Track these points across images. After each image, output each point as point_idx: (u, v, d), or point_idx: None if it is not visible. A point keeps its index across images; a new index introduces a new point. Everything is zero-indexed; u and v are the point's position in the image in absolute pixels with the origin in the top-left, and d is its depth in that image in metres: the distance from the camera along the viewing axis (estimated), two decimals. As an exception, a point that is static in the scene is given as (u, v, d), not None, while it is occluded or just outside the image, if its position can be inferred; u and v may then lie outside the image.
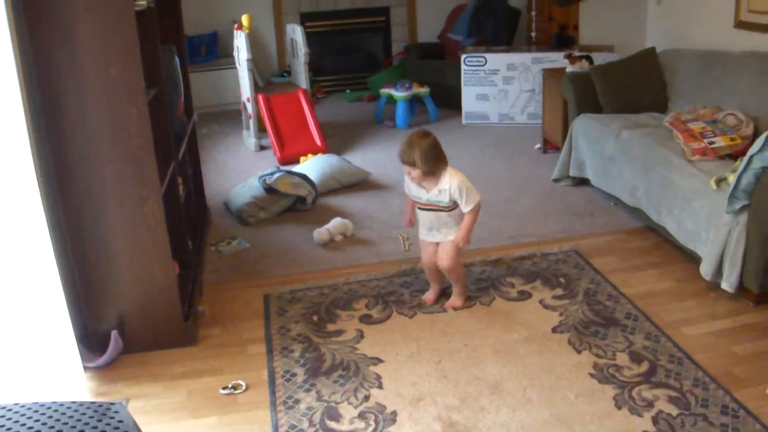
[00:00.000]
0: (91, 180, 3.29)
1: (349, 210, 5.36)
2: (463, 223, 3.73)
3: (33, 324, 3.21)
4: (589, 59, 6.14)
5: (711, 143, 4.36)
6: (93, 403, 0.60)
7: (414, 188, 3.70)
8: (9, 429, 0.57)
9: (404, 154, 3.57)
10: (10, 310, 3.15)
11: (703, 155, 4.30)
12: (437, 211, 3.70)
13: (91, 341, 3.54)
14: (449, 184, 3.62)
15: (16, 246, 3.10)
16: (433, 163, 3.58)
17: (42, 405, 0.59)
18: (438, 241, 3.79)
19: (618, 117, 5.26)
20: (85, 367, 3.41)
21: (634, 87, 5.55)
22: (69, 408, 0.61)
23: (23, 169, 3.03)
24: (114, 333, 3.51)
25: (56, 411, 0.59)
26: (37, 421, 0.57)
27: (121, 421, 0.58)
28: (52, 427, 0.56)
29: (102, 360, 3.47)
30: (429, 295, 3.96)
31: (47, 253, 3.15)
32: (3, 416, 0.59)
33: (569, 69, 6.04)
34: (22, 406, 0.60)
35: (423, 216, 3.77)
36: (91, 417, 0.59)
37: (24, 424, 0.57)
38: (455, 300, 3.89)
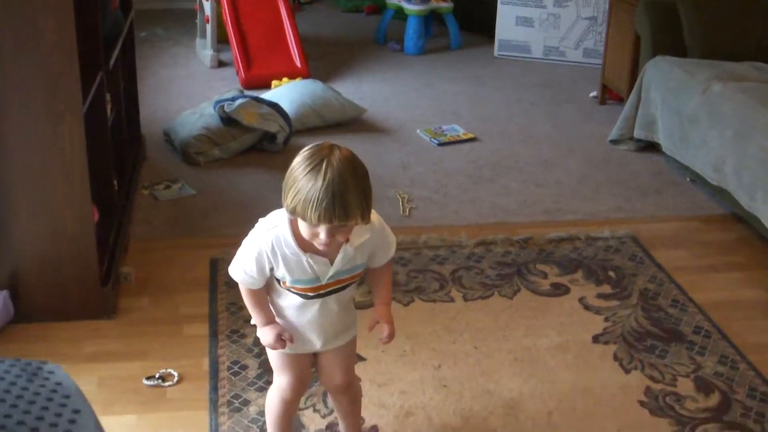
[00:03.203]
0: (-11, 86, 3.28)
1: (332, 157, 5.35)
2: (385, 290, 2.79)
3: None
4: (675, -18, 6.14)
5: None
6: (17, 360, 0.61)
7: (304, 266, 2.52)
8: None
9: (346, 208, 2.33)
10: None
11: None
12: (343, 289, 2.66)
13: (-29, 303, 3.56)
14: (371, 225, 2.56)
15: None
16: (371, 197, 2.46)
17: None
18: (330, 347, 2.75)
19: (708, 64, 5.25)
20: (-41, 338, 3.44)
21: (736, 23, 5.55)
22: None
23: None
24: (3, 294, 3.52)
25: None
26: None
27: (59, 384, 0.59)
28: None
29: (-15, 329, 3.50)
30: None
31: None
32: None
33: (646, -7, 6.04)
34: None
35: (311, 312, 2.64)
36: (18, 376, 0.60)
37: None
38: None
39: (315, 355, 2.75)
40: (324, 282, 2.53)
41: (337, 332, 2.69)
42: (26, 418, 0.55)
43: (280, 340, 2.58)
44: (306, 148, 2.38)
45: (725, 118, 4.67)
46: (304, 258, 2.46)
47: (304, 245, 2.46)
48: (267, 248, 2.47)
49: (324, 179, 2.29)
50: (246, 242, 2.54)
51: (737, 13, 5.56)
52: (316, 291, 2.55)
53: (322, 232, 2.34)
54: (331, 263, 2.50)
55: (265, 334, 2.59)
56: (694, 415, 3.21)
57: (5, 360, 0.62)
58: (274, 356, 2.70)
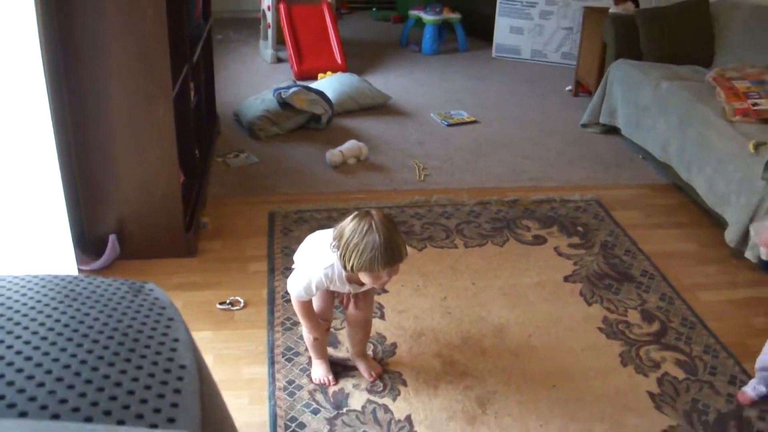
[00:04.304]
0: (100, 72, 3.26)
1: (365, 133, 5.37)
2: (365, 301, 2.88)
3: (30, 223, 3.19)
4: (636, 1, 6.07)
5: (755, 104, 4.31)
6: (125, 280, 0.63)
7: (348, 288, 2.69)
8: (27, 297, 0.61)
9: (398, 250, 2.46)
10: (5, 207, 3.12)
11: (745, 116, 4.26)
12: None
13: (87, 244, 3.58)
14: None
15: (17, 139, 3.03)
16: None
17: (66, 276, 0.63)
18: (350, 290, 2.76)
19: (658, 66, 5.20)
20: (79, 270, 3.46)
21: (679, 36, 5.48)
22: (101, 283, 0.65)
23: (29, 55, 2.94)
24: (112, 237, 3.56)
25: (85, 283, 0.63)
26: (61, 289, 0.61)
27: (157, 298, 0.61)
28: (82, 295, 0.60)
29: (97, 264, 3.52)
30: (329, 373, 2.96)
31: (49, 148, 3.12)
32: (18, 285, 0.62)
33: (613, 9, 5.97)
34: (41, 278, 0.64)
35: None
36: (126, 293, 0.62)
37: (45, 293, 0.61)
38: (375, 362, 3.04)
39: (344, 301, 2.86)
40: (354, 293, 2.75)
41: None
42: (134, 323, 0.57)
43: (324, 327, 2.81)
44: (349, 221, 2.48)
45: (671, 109, 4.63)
46: (348, 286, 2.65)
47: (351, 279, 2.60)
48: (326, 279, 2.59)
49: (380, 238, 2.39)
50: (307, 273, 2.61)
51: (681, 26, 5.49)
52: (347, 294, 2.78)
53: (385, 275, 2.48)
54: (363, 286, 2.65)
55: (313, 332, 2.79)
56: (639, 338, 3.23)
57: (117, 280, 0.65)
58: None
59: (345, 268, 2.49)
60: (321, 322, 2.80)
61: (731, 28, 5.40)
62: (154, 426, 0.54)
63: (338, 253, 2.47)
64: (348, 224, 2.46)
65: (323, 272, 2.57)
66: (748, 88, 4.47)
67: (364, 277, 2.50)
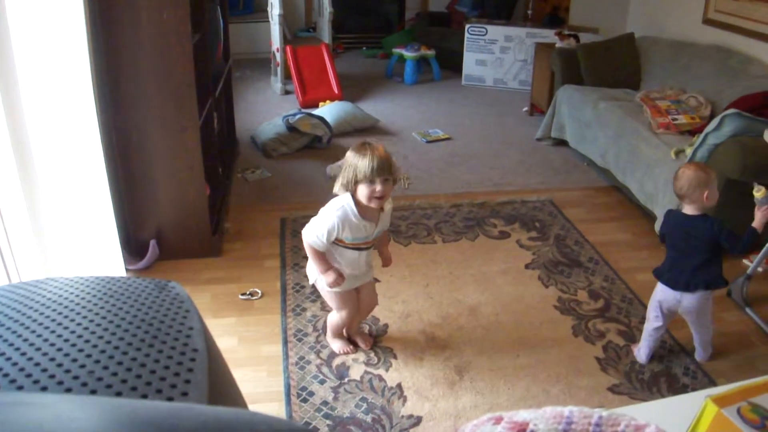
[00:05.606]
0: (140, 109, 3.26)
1: (358, 152, 5.35)
2: (386, 243, 2.82)
3: (85, 231, 3.18)
4: (576, 38, 6.08)
5: (674, 119, 4.35)
6: (153, 279, 0.64)
7: (361, 228, 2.55)
8: (74, 294, 0.61)
9: (388, 164, 2.46)
10: (67, 218, 3.13)
11: (667, 129, 4.30)
12: (373, 244, 2.71)
13: (132, 248, 3.57)
14: (390, 200, 2.66)
15: (75, 166, 3.01)
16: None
17: (105, 277, 0.63)
18: (362, 282, 2.80)
19: (597, 90, 5.21)
20: (126, 269, 3.44)
21: (612, 65, 5.49)
22: (133, 282, 0.65)
23: (84, 97, 2.95)
24: (152, 242, 3.55)
25: (120, 282, 0.64)
26: (101, 288, 0.61)
27: (177, 294, 0.61)
28: (117, 292, 0.61)
29: (141, 264, 3.51)
30: (348, 344, 2.96)
31: (100, 171, 3.11)
32: (68, 284, 0.63)
33: (558, 45, 5.98)
34: (86, 279, 0.64)
35: (359, 258, 2.65)
36: (153, 290, 0.63)
37: (88, 291, 0.62)
38: (367, 336, 3.03)
39: (357, 291, 2.80)
40: (371, 239, 2.59)
41: (368, 270, 2.74)
42: (157, 315, 0.58)
43: (339, 279, 2.61)
44: (350, 150, 2.47)
45: (608, 124, 4.64)
46: (362, 222, 2.51)
47: (363, 213, 2.50)
48: (338, 222, 2.48)
49: (373, 154, 2.41)
50: (322, 218, 2.53)
51: (613, 57, 5.51)
52: (366, 245, 2.60)
53: (378, 184, 2.41)
54: (376, 226, 2.56)
55: (328, 276, 2.61)
56: (588, 313, 3.23)
57: (146, 279, 0.66)
58: (334, 299, 2.73)
59: (349, 186, 2.46)
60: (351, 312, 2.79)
61: (653, 58, 5.42)
62: (171, 399, 0.54)
63: (343, 172, 2.46)
64: (349, 152, 2.47)
65: (336, 215, 2.49)
66: (668, 106, 4.49)
67: (363, 191, 2.44)
